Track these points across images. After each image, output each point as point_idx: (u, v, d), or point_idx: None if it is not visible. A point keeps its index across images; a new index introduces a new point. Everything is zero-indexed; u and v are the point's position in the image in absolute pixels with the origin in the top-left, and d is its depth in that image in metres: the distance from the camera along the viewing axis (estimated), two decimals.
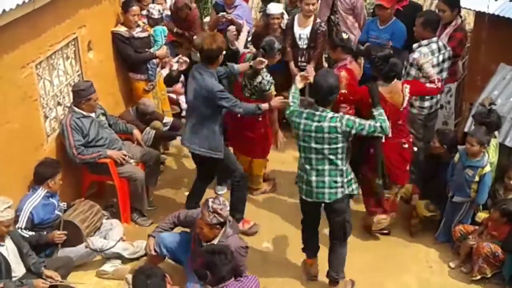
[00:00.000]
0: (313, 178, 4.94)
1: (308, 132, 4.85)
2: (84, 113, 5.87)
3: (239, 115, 5.83)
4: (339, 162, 4.89)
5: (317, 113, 4.84)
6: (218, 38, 5.51)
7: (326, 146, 4.83)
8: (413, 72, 6.03)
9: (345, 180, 4.97)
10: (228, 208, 4.86)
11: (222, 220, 4.74)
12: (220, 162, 5.72)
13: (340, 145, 4.83)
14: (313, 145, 4.86)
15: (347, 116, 4.92)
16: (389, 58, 5.43)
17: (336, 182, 4.93)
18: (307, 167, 4.95)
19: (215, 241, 4.81)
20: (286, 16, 7.47)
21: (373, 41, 6.75)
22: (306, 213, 5.36)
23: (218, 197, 4.84)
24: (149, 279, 4.14)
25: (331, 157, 4.86)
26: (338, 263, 5.32)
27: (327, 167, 4.90)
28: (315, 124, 4.82)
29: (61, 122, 5.89)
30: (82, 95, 5.83)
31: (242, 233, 5.77)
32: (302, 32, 7.12)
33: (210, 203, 4.73)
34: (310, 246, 5.49)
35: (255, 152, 6.40)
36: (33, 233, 5.19)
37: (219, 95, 5.42)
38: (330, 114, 4.83)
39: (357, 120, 4.86)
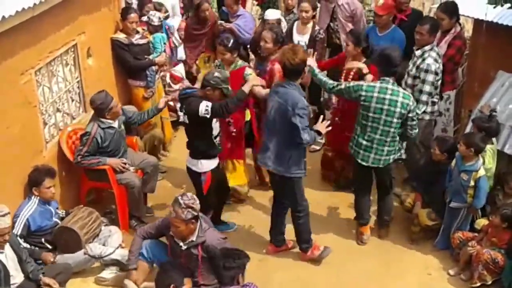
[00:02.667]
0: (375, 146, 5.56)
1: (381, 105, 5.41)
2: (111, 121, 5.89)
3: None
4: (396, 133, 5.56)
5: (390, 87, 5.42)
6: (299, 49, 5.26)
7: (395, 120, 5.45)
8: (430, 78, 6.01)
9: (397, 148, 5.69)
10: (198, 202, 4.85)
11: (196, 213, 4.79)
12: (297, 185, 5.50)
13: (400, 120, 5.50)
14: (384, 117, 5.45)
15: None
16: None
17: (390, 150, 5.63)
18: (370, 136, 5.55)
19: (193, 237, 4.87)
20: (284, 23, 7.49)
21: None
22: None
23: (185, 193, 4.85)
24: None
25: (394, 129, 5.50)
26: (388, 208, 6.01)
27: (389, 138, 5.54)
28: (388, 97, 5.40)
29: (86, 129, 5.83)
30: (103, 108, 5.84)
31: (313, 260, 5.77)
32: (301, 39, 7.14)
33: (180, 200, 4.75)
34: (362, 214, 6.01)
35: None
36: (28, 245, 5.18)
37: (300, 112, 5.12)
38: (402, 91, 5.48)
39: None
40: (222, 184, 5.94)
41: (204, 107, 5.26)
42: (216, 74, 5.43)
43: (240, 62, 6.22)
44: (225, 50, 6.07)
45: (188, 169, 5.69)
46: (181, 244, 4.91)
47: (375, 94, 5.42)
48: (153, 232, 5.19)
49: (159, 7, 7.72)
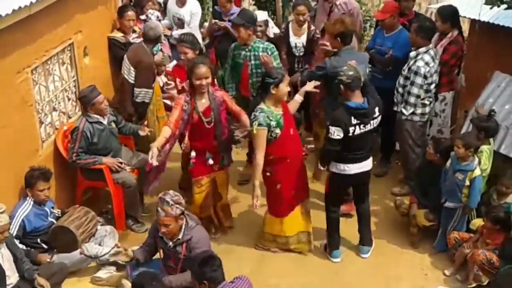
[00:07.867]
0: None
1: None
2: (98, 116, 5.88)
3: None
4: None
5: None
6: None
7: None
8: (419, 80, 6.06)
9: None
10: (182, 198, 4.89)
11: (183, 208, 4.84)
12: None
13: None
14: None
15: None
16: None
17: None
18: None
19: (180, 235, 4.87)
20: (271, 24, 7.51)
21: (377, 48, 6.82)
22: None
23: (167, 192, 4.85)
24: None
25: None
26: None
27: None
28: None
29: (76, 125, 5.85)
30: (84, 101, 5.87)
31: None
32: (298, 41, 7.13)
33: (168, 199, 4.76)
34: None
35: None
36: (24, 246, 5.17)
37: None
38: None
39: None
40: None
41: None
42: (353, 71, 5.30)
43: None
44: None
45: (365, 173, 5.62)
46: (170, 243, 4.92)
47: None
48: (149, 241, 5.13)
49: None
